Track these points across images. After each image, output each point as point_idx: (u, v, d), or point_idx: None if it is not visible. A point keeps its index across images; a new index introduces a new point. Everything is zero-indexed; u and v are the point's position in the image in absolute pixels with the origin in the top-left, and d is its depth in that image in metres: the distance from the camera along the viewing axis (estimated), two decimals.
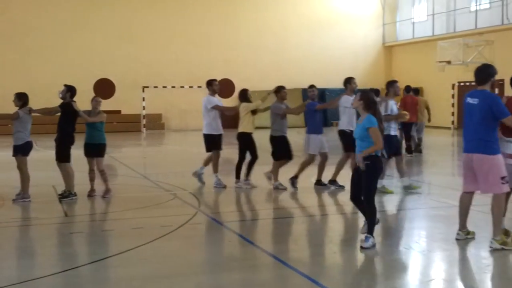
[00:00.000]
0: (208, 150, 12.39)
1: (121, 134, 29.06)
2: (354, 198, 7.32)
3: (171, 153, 21.78)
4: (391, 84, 11.46)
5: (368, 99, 7.15)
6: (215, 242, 7.75)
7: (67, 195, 10.67)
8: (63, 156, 10.80)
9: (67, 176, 10.75)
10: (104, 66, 31.30)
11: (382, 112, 10.52)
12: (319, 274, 6.35)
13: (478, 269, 6.62)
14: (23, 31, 30.57)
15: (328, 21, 35.47)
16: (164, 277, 6.28)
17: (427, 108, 18.65)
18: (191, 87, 32.72)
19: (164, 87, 32.14)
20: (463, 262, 7.03)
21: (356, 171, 7.22)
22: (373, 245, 7.08)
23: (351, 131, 11.08)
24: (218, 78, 34.85)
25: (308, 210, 10.15)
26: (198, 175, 12.38)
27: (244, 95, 12.42)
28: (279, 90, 12.13)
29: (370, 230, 7.13)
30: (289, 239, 8.06)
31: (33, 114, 10.91)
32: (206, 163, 12.49)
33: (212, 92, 12.45)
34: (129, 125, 31.49)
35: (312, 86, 12.09)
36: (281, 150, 11.59)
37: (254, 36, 34.12)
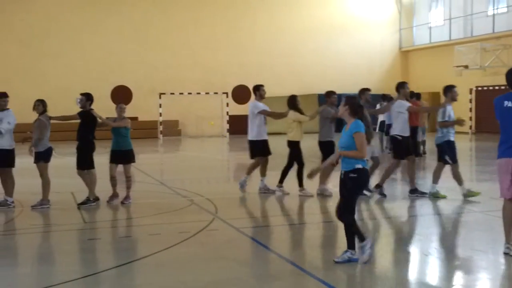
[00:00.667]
0: (252, 156, 12.10)
1: (138, 141, 29.07)
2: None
3: (187, 160, 21.83)
4: (449, 88, 10.90)
5: (354, 104, 6.77)
6: (232, 248, 7.72)
7: (85, 202, 10.72)
8: (86, 163, 10.86)
9: (90, 183, 10.81)
10: (121, 72, 31.52)
11: (440, 118, 10.48)
12: (338, 281, 6.31)
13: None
14: (39, 37, 30.90)
15: (344, 26, 35.42)
16: (181, 283, 6.27)
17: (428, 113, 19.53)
18: (207, 93, 32.83)
19: (181, 93, 32.27)
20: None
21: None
22: (348, 260, 6.67)
23: (403, 137, 11.09)
24: (234, 84, 35.21)
25: (325, 216, 10.07)
26: (241, 184, 12.15)
27: (293, 102, 12.01)
28: (329, 95, 11.98)
29: (350, 244, 6.69)
30: (306, 245, 8.01)
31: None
32: (249, 171, 12.17)
33: (259, 97, 12.19)
34: (146, 131, 31.63)
35: (366, 90, 11.82)
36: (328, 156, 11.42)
37: (270, 41, 34.16)
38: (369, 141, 9.90)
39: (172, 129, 32.31)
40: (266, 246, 7.74)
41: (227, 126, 32.99)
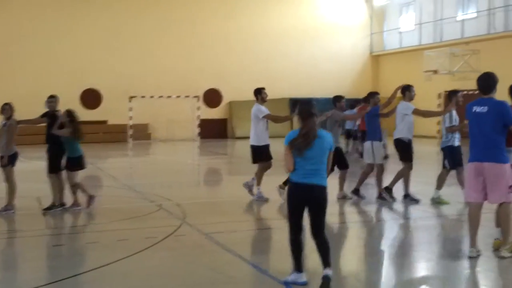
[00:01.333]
0: (254, 161, 11.83)
1: (107, 145, 28.89)
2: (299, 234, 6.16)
3: (157, 164, 21.64)
4: (453, 93, 10.92)
5: (301, 111, 6.20)
6: (200, 254, 7.64)
7: (50, 207, 10.51)
8: (57, 167, 10.66)
9: (58, 187, 10.59)
10: (91, 75, 31.22)
11: (447, 123, 10.43)
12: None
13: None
14: (8, 41, 30.37)
15: (316, 31, 35.57)
16: None
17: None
18: (178, 97, 32.65)
19: (151, 97, 32.03)
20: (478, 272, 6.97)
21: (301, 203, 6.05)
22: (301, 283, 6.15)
23: (410, 140, 11.08)
24: (205, 88, 35.01)
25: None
26: (249, 186, 11.87)
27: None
28: (339, 100, 11.88)
29: (326, 262, 6.07)
30: (274, 250, 7.94)
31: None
32: (259, 182, 11.78)
33: (261, 101, 11.83)
34: (116, 135, 31.34)
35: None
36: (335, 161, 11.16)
37: (242, 46, 34.13)
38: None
39: (142, 133, 32.05)
40: (234, 251, 7.66)
41: (198, 130, 32.83)
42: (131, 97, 31.48)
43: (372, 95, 11.73)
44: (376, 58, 37.07)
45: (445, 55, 29.37)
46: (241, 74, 33.86)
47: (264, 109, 11.67)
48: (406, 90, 11.16)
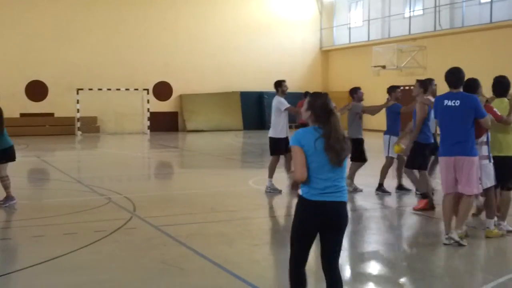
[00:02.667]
0: (272, 153, 11.66)
1: (54, 138, 28.32)
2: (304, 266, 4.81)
3: (106, 157, 21.32)
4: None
5: (319, 106, 4.66)
6: (150, 247, 7.57)
7: None
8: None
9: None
10: (37, 67, 30.50)
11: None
12: (254, 276, 6.27)
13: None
14: None
15: (266, 26, 35.62)
16: (97, 283, 6.12)
17: None
18: (127, 89, 32.24)
19: (100, 89, 31.52)
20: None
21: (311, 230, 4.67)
22: None
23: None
24: (155, 81, 34.67)
25: (253, 212, 10.03)
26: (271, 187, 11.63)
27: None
28: (356, 91, 11.88)
29: None
30: (223, 242, 7.93)
31: None
32: (288, 169, 11.51)
33: (281, 93, 11.60)
34: (63, 128, 30.73)
35: (397, 87, 11.84)
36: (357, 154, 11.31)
37: (193, 39, 33.90)
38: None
39: (91, 126, 31.50)
40: (185, 244, 7.62)
41: (148, 123, 32.49)
42: (79, 90, 30.89)
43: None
44: (326, 53, 37.39)
45: (393, 51, 29.85)
46: (192, 67, 33.66)
47: (285, 102, 11.51)
48: (429, 84, 10.71)
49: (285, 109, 11.46)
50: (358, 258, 7.29)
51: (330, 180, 4.54)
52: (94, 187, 12.50)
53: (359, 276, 6.57)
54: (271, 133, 11.70)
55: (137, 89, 32.59)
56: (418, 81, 10.20)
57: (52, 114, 31.13)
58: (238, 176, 14.57)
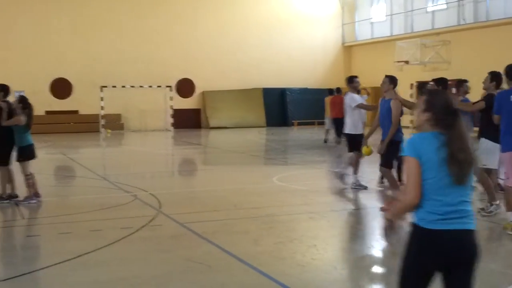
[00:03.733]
0: (350, 150, 11.61)
1: (78, 135, 28.59)
2: None
3: (131, 154, 21.48)
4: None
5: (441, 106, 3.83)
6: (176, 244, 7.60)
7: None
8: (1, 159, 10.14)
9: (3, 180, 10.20)
10: (61, 65, 30.80)
11: None
12: (279, 273, 6.28)
13: None
14: None
15: (287, 22, 35.56)
16: (122, 280, 6.15)
17: None
18: (150, 86, 32.43)
19: (123, 86, 31.74)
20: None
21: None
22: None
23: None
24: (178, 78, 34.77)
25: (278, 209, 10.03)
26: (340, 176, 11.76)
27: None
28: (462, 85, 11.51)
29: None
30: (250, 239, 7.93)
31: None
32: (356, 170, 11.52)
33: (353, 90, 11.49)
34: (87, 125, 31.01)
35: (464, 81, 11.31)
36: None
37: (214, 36, 33.97)
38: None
39: (115, 123, 31.75)
40: (211, 241, 7.64)
41: (171, 120, 32.64)
42: (103, 87, 31.13)
43: (461, 83, 11.38)
44: (348, 49, 37.21)
45: (416, 45, 29.60)
46: (214, 64, 33.74)
47: (357, 98, 11.42)
48: (460, 85, 10.60)
49: (356, 106, 11.30)
50: None
51: (452, 203, 3.56)
52: (119, 184, 12.59)
53: None
54: (347, 129, 11.53)
55: (160, 86, 32.77)
56: (387, 76, 9.73)
57: (76, 112, 31.43)
58: (262, 173, 14.56)
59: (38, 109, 30.58)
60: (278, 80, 33.79)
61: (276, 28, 35.36)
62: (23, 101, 10.20)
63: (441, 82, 9.84)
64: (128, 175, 14.56)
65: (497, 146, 8.56)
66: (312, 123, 31.71)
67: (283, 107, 33.88)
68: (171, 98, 32.78)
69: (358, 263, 6.97)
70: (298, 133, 27.97)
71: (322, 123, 28.39)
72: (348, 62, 37.06)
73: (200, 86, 33.86)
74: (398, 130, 9.50)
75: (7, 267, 6.72)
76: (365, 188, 11.28)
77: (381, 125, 9.62)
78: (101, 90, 31.09)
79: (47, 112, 30.66)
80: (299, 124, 33.31)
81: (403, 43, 30.60)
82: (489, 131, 8.71)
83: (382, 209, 8.98)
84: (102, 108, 31.06)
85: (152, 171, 15.84)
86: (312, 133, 27.46)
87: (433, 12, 30.24)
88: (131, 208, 9.99)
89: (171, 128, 32.32)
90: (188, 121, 33.35)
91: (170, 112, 32.70)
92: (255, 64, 34.34)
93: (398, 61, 29.94)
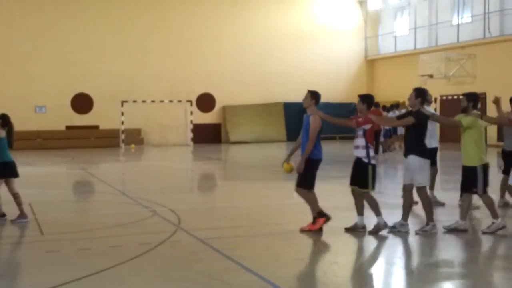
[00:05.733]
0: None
1: (99, 150, 28.57)
2: None
3: (150, 169, 21.34)
4: None
5: None
6: (196, 261, 7.38)
7: None
8: None
9: None
10: (82, 80, 30.94)
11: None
12: None
13: None
14: None
15: (310, 35, 35.40)
16: None
17: None
18: (171, 101, 32.39)
19: (144, 101, 31.74)
20: None
21: None
22: None
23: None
24: (198, 92, 34.77)
25: (300, 225, 9.74)
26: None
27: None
28: None
29: None
30: (271, 256, 7.68)
31: None
32: (432, 186, 11.02)
33: (427, 103, 10.36)
34: (108, 140, 31.01)
35: None
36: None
37: (236, 50, 33.93)
38: None
39: (135, 138, 31.70)
40: (231, 257, 7.40)
41: (191, 134, 32.52)
42: (123, 102, 31.15)
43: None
44: (371, 62, 36.94)
45: (441, 59, 29.24)
46: (235, 78, 33.65)
47: (431, 111, 10.46)
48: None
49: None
50: None
51: None
52: (139, 199, 12.41)
53: None
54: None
55: (180, 101, 32.71)
56: (309, 91, 9.26)
57: (97, 127, 31.46)
58: (283, 189, 14.28)
59: (59, 124, 30.97)
60: (300, 94, 33.03)
61: (299, 41, 35.21)
62: (3, 118, 10.19)
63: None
64: (148, 190, 14.37)
65: (426, 162, 8.72)
66: (334, 138, 31.37)
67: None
68: (191, 113, 32.69)
69: (380, 281, 6.73)
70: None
71: (343, 138, 28.04)
72: (371, 76, 36.76)
73: (220, 101, 33.76)
74: (317, 147, 8.99)
75: (27, 282, 6.59)
76: (443, 205, 11.10)
77: (302, 141, 9.14)
78: (122, 105, 31.09)
79: (68, 127, 30.74)
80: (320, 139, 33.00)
81: (427, 56, 30.25)
82: (417, 148, 8.68)
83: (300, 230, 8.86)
84: (122, 123, 31.03)
85: (172, 186, 15.65)
86: (334, 148, 27.12)
87: (458, 25, 29.88)
88: (150, 224, 9.81)
89: (191, 143, 32.19)
90: (208, 136, 33.22)
91: (190, 126, 32.59)
92: (276, 78, 34.17)
93: (422, 75, 29.57)
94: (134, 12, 32.28)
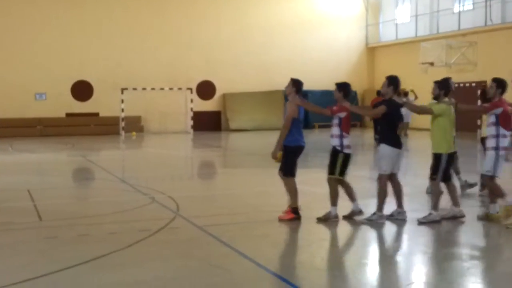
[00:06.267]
0: None
1: (99, 137, 28.55)
2: None
3: (150, 156, 21.33)
4: None
5: None
6: (194, 247, 7.40)
7: None
8: None
9: None
10: (81, 67, 30.87)
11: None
12: (297, 277, 6.10)
13: None
14: None
15: (310, 23, 35.26)
16: (142, 282, 6.01)
17: None
18: (171, 89, 32.32)
19: (144, 89, 31.68)
20: None
21: None
22: None
23: None
24: (198, 80, 34.70)
25: (302, 211, 9.73)
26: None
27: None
28: None
29: None
30: (269, 243, 7.70)
31: None
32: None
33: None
34: (108, 127, 30.98)
35: None
36: None
37: (236, 37, 33.80)
38: None
39: (135, 125, 31.66)
40: (230, 244, 7.41)
41: (191, 122, 32.48)
42: (123, 89, 31.07)
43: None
44: (372, 50, 36.81)
45: (442, 47, 29.11)
46: (235, 66, 33.56)
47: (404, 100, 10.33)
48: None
49: None
50: None
51: None
52: (138, 186, 12.42)
53: None
54: None
55: (180, 89, 32.63)
56: (291, 79, 9.22)
57: (97, 114, 31.43)
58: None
59: (59, 111, 30.96)
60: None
61: (299, 29, 35.05)
62: None
63: (442, 84, 9.03)
64: (147, 177, 14.37)
65: (395, 151, 8.69)
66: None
67: (304, 110, 33.49)
68: (191, 100, 32.62)
69: (378, 269, 6.76)
70: (319, 136, 27.63)
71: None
72: (371, 64, 36.64)
73: (220, 88, 33.68)
74: (293, 133, 8.94)
75: (26, 268, 6.56)
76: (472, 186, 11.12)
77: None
78: (122, 93, 31.01)
79: (68, 115, 30.69)
80: (320, 126, 32.98)
81: (428, 44, 30.11)
82: (389, 137, 8.74)
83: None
84: (122, 110, 30.96)
85: (171, 173, 15.66)
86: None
87: (459, 12, 29.74)
88: (149, 211, 9.82)
89: (191, 131, 32.15)
90: (208, 124, 33.17)
91: (191, 114, 32.53)
92: (277, 66, 34.03)
93: (423, 63, 29.47)
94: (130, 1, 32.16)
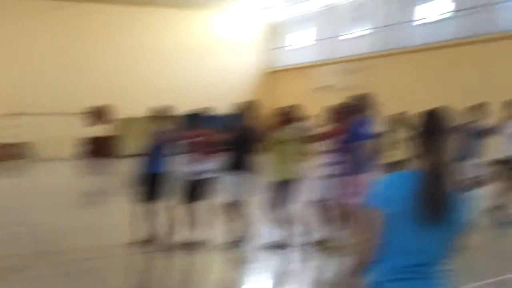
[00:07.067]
0: None
1: None
2: None
3: (34, 186, 19.60)
4: None
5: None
6: None
7: None
8: None
9: None
10: None
11: None
12: None
13: None
14: None
15: (208, 47, 34.69)
16: None
17: None
18: (63, 113, 30.51)
19: (37, 114, 29.69)
20: None
21: None
22: None
23: None
24: (93, 104, 32.88)
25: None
26: None
27: None
28: None
29: None
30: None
31: None
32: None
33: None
34: None
35: None
36: None
37: (131, 63, 32.67)
38: None
39: (27, 152, 29.40)
40: None
41: (84, 148, 30.56)
42: (15, 115, 28.92)
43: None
44: (273, 74, 36.52)
45: (341, 71, 29.17)
46: (131, 91, 32.26)
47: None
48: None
49: None
50: None
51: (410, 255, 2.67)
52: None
53: None
54: None
55: (74, 113, 30.85)
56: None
57: None
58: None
59: None
60: (200, 106, 32.48)
61: (199, 54, 34.08)
62: None
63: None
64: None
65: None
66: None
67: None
68: (82, 126, 30.85)
69: None
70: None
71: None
72: (272, 87, 36.23)
73: (116, 113, 32.14)
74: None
75: None
76: None
77: None
78: (15, 118, 28.78)
79: None
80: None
81: (328, 68, 30.12)
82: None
83: None
84: (15, 137, 28.66)
85: (47, 204, 14.18)
86: None
87: (357, 37, 30.00)
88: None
89: (84, 157, 30.24)
90: (103, 149, 31.48)
91: (84, 139, 30.68)
92: (175, 91, 32.88)
93: (323, 86, 29.42)
94: (32, 20, 30.39)
